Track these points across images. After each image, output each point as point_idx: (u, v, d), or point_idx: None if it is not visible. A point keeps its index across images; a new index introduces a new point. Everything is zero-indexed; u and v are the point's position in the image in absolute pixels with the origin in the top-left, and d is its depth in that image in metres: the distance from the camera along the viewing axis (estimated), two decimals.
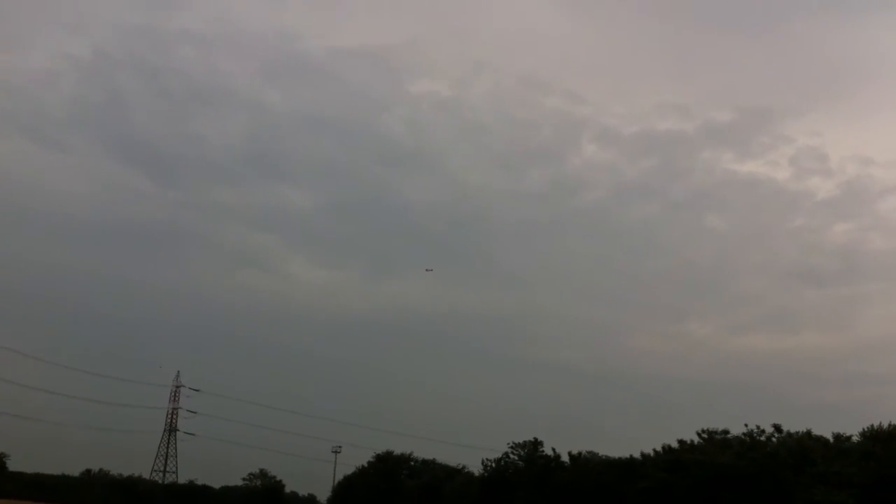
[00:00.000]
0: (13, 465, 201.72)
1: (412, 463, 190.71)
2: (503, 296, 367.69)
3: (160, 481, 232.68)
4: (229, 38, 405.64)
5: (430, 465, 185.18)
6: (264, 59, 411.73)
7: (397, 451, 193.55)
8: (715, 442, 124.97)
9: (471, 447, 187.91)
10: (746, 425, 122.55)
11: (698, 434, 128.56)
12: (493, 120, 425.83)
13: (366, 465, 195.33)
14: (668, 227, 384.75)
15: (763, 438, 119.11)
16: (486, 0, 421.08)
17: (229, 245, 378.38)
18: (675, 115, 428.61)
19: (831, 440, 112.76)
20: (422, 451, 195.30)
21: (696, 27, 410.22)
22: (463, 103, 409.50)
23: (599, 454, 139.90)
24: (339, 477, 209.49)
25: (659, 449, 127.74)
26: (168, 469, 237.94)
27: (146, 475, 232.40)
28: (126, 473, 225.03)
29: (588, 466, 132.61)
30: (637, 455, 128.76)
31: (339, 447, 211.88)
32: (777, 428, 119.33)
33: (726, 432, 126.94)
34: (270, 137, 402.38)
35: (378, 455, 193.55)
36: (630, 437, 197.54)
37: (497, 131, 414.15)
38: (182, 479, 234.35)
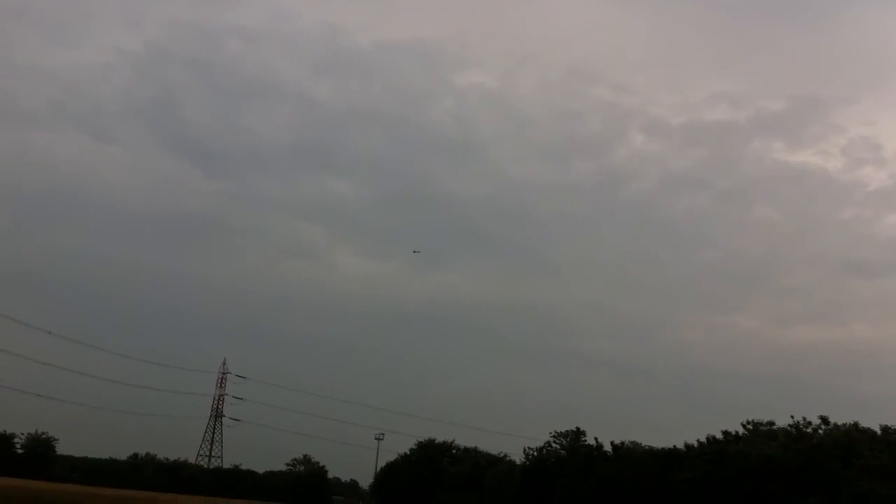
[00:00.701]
0: (61, 449, 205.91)
1: (454, 451, 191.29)
2: (547, 287, 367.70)
3: (206, 466, 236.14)
4: (277, 33, 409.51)
5: (471, 453, 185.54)
6: (312, 53, 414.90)
7: (439, 438, 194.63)
8: (760, 433, 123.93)
9: (512, 436, 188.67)
10: (792, 417, 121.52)
11: (743, 425, 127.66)
12: (539, 111, 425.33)
13: (408, 452, 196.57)
14: (716, 218, 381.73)
15: (809, 430, 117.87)
16: None
17: (277, 236, 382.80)
18: (724, 105, 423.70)
19: (879, 432, 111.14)
20: (464, 439, 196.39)
21: (746, 16, 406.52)
22: (509, 95, 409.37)
23: (642, 444, 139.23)
24: (382, 463, 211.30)
25: (703, 440, 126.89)
26: (214, 454, 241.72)
27: (192, 460, 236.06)
28: (172, 458, 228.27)
29: (631, 456, 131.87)
30: (681, 446, 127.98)
31: (382, 434, 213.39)
32: (824, 420, 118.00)
33: (772, 423, 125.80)
34: (318, 130, 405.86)
35: (420, 442, 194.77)
36: (674, 429, 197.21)
37: (543, 123, 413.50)
38: (227, 464, 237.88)
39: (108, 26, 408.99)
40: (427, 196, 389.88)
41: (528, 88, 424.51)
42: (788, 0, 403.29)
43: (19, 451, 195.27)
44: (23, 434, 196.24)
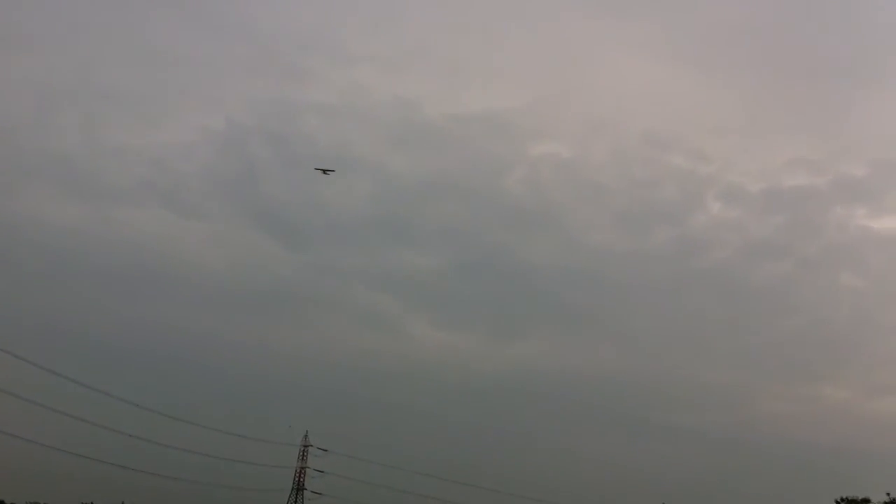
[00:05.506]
0: None
1: None
2: (630, 358, 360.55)
3: None
4: (352, 107, 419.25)
5: None
6: (387, 127, 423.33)
7: None
8: None
9: None
10: (888, 494, 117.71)
11: (837, 502, 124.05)
12: (613, 180, 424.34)
13: None
14: (801, 285, 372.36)
15: None
16: (607, 59, 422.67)
17: (355, 307, 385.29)
18: (805, 171, 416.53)
19: None
20: None
21: (824, 80, 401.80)
22: (583, 163, 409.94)
23: None
24: None
25: None
26: None
27: None
28: None
29: None
30: None
31: None
32: None
33: (867, 500, 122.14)
34: (394, 201, 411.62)
35: None
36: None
37: (618, 191, 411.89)
38: None
39: (192, 106, 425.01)
40: (503, 266, 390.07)
41: (602, 156, 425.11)
42: (867, 63, 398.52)
43: None
44: None
